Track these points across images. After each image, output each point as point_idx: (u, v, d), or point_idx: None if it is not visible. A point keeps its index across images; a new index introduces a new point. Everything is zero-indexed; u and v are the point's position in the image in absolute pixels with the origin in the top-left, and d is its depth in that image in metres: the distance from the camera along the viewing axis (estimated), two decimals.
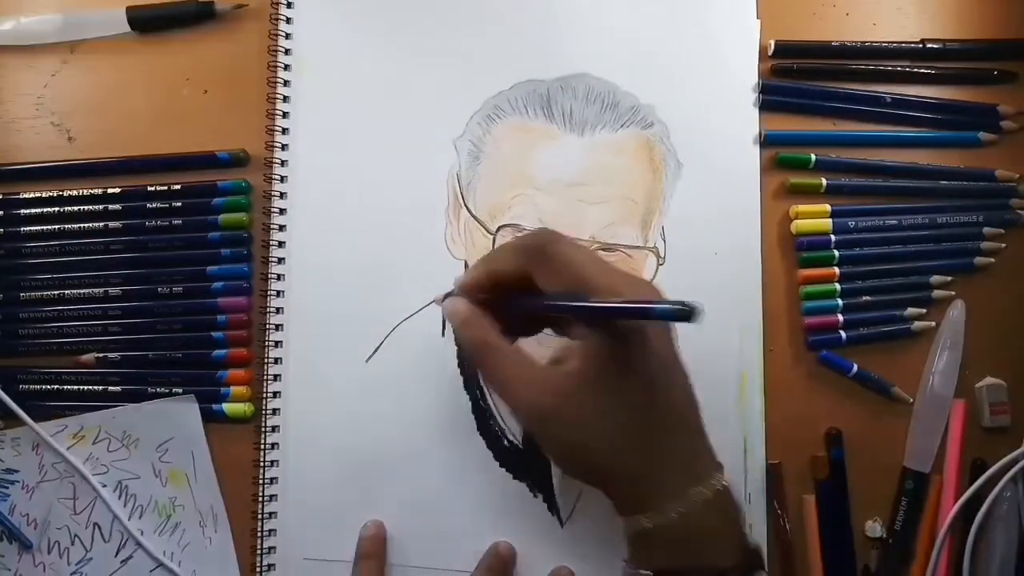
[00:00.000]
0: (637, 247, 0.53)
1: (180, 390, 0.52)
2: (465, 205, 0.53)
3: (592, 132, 0.53)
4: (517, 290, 0.42)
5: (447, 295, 0.44)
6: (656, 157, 0.53)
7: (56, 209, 0.53)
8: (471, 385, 0.52)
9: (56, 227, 0.53)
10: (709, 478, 0.39)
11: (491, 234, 0.52)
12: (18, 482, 0.52)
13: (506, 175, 0.53)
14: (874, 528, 0.52)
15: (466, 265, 0.53)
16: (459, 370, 0.52)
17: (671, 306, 0.34)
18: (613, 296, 0.38)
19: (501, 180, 0.53)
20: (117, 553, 0.51)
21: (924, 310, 0.54)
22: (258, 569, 0.51)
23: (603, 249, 0.52)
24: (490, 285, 0.43)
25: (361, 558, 0.50)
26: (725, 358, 0.52)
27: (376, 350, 0.52)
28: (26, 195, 0.53)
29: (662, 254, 0.53)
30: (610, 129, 0.53)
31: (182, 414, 0.52)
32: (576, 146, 0.53)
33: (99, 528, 0.51)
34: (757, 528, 0.51)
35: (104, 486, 0.51)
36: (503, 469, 0.51)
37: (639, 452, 0.39)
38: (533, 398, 0.40)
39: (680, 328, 0.51)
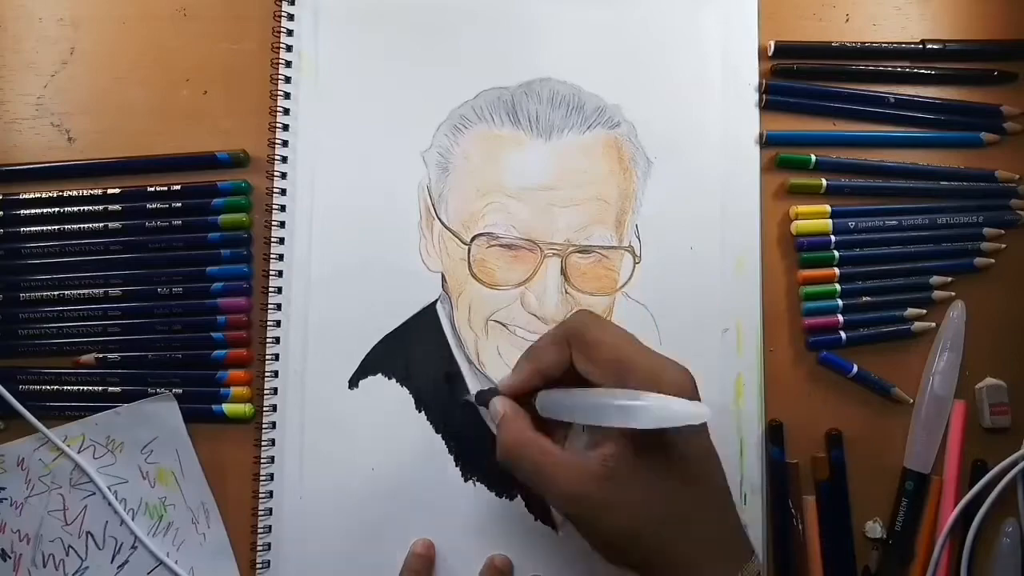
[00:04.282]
0: (612, 247, 0.53)
1: (180, 391, 0.52)
2: (437, 217, 0.53)
3: (559, 135, 0.53)
4: (558, 380, 0.42)
5: (488, 391, 0.45)
6: (625, 156, 0.54)
7: (56, 210, 0.53)
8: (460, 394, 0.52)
9: (56, 227, 0.53)
10: (746, 564, 0.40)
11: (465, 244, 0.52)
12: (5, 499, 0.51)
13: (477, 184, 0.53)
14: (874, 529, 0.52)
15: (443, 278, 0.53)
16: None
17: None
18: (653, 379, 0.38)
19: (472, 189, 0.53)
20: (113, 559, 0.51)
21: (924, 311, 0.54)
22: (258, 566, 0.51)
23: (579, 252, 0.52)
24: (538, 382, 0.43)
25: (408, 571, 0.50)
26: (720, 358, 0.52)
27: (357, 374, 0.52)
28: (26, 195, 0.53)
29: (638, 253, 0.53)
30: (577, 131, 0.53)
31: (163, 413, 0.52)
32: (544, 150, 0.53)
33: (92, 537, 0.51)
34: (754, 528, 0.51)
35: (93, 494, 0.51)
36: (496, 481, 0.51)
37: (684, 539, 0.39)
38: (574, 486, 0.39)
39: (668, 326, 0.52)
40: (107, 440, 0.52)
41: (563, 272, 0.52)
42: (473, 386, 0.52)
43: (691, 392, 0.40)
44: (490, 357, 0.52)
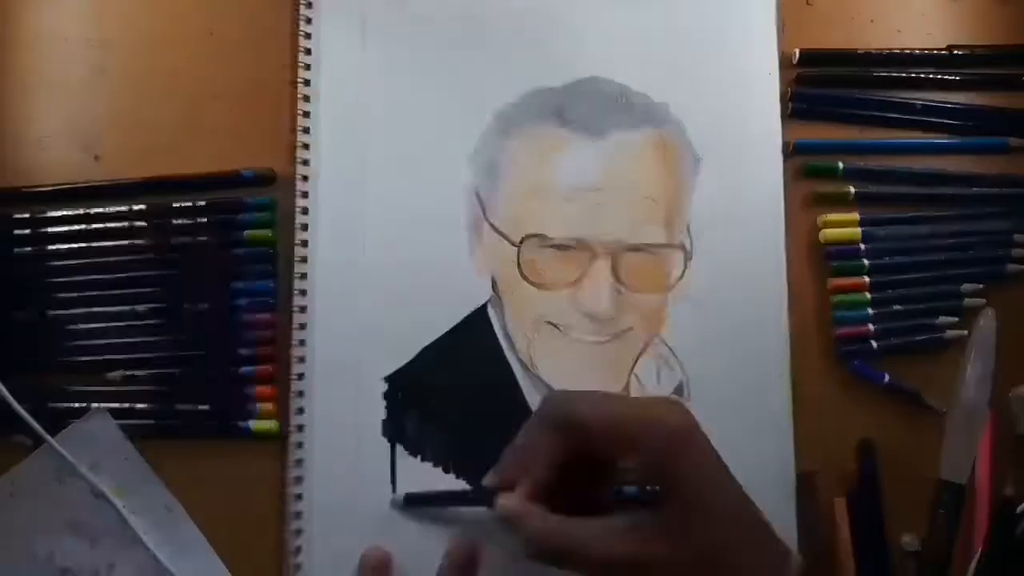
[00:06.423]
0: (663, 245, 0.53)
1: (207, 406, 0.52)
2: (487, 219, 0.53)
3: (607, 135, 0.53)
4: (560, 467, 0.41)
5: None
6: (672, 154, 0.53)
7: (82, 227, 0.53)
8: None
9: (82, 245, 0.53)
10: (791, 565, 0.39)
11: (516, 245, 0.52)
12: None
13: (525, 185, 0.53)
14: (912, 543, 0.51)
15: (493, 281, 0.52)
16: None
17: None
18: (653, 426, 0.39)
19: (521, 191, 0.53)
20: None
21: (956, 319, 0.53)
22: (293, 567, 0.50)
23: (629, 250, 0.52)
24: (551, 476, 0.42)
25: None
26: (761, 365, 0.52)
27: (403, 380, 0.51)
28: (53, 213, 0.54)
29: (689, 250, 0.53)
30: (624, 130, 0.53)
31: (97, 429, 0.51)
32: (592, 150, 0.53)
33: (71, 572, 0.50)
34: (787, 535, 0.50)
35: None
36: None
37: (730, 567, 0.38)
38: (618, 548, 0.39)
39: (720, 324, 0.52)
40: (53, 474, 0.51)
41: (614, 271, 0.52)
42: (527, 389, 0.52)
43: (693, 423, 0.40)
44: (543, 359, 0.52)
